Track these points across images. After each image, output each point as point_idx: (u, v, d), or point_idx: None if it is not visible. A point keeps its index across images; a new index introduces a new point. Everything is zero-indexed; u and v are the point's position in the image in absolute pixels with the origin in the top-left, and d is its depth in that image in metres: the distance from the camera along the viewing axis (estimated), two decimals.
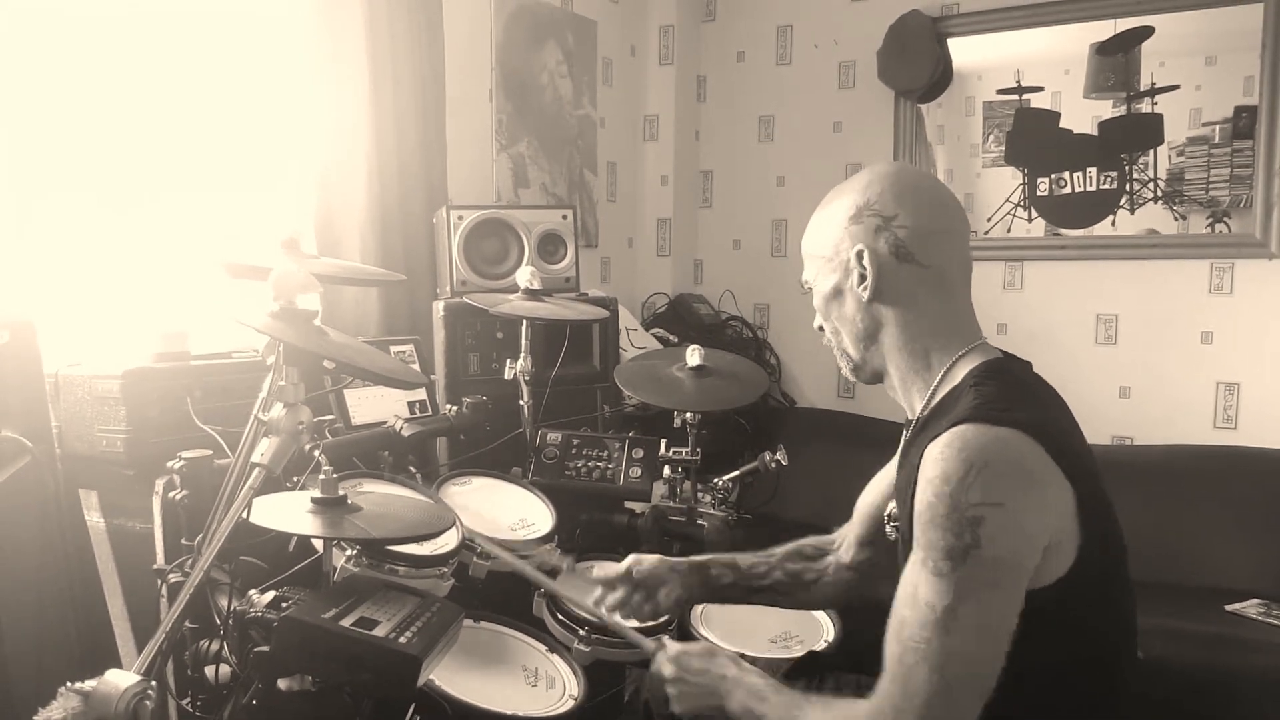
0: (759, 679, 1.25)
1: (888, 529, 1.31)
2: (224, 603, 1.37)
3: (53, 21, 1.91)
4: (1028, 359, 1.29)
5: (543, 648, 1.71)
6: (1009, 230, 3.32)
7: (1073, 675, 1.14)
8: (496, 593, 1.77)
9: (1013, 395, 1.13)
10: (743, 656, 1.38)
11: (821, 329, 1.34)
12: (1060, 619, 1.09)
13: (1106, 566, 1.12)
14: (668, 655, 1.34)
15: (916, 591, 1.06)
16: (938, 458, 1.07)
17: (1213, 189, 3.01)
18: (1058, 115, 3.23)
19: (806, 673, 1.54)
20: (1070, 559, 1.08)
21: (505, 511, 1.87)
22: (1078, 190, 3.21)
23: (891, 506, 1.30)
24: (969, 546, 1.02)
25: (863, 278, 1.22)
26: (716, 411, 2.27)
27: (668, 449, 2.11)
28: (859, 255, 1.22)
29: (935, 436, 1.10)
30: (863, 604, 1.51)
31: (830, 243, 1.26)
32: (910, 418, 1.28)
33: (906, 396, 1.27)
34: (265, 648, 1.25)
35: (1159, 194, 3.09)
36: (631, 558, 1.55)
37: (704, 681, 1.28)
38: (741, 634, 1.73)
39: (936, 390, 1.22)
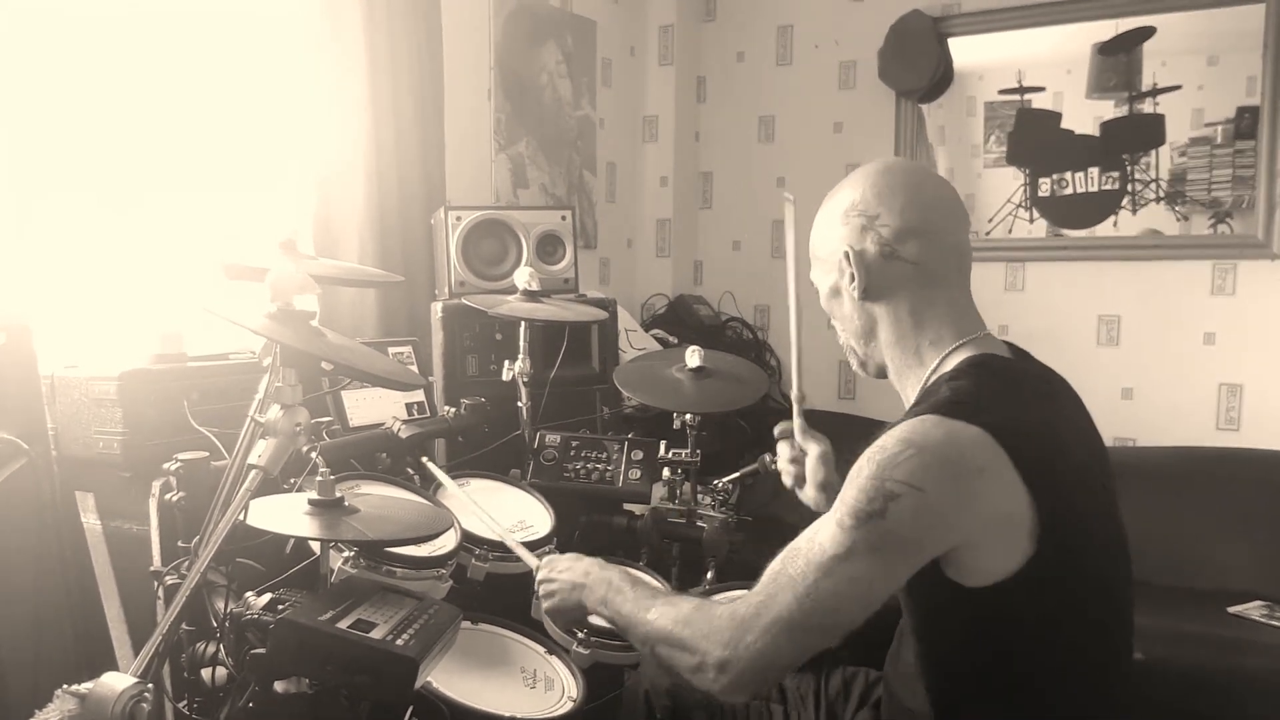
0: (620, 574, 1.32)
1: None
2: (221, 605, 1.37)
3: (53, 21, 1.91)
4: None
5: (541, 649, 1.71)
6: (1010, 231, 3.31)
7: (1036, 673, 1.13)
8: (495, 595, 1.76)
9: (986, 391, 1.12)
10: None
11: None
12: (1011, 617, 1.09)
13: (1070, 571, 1.10)
14: (544, 562, 1.45)
15: (818, 531, 1.11)
16: (885, 433, 1.10)
17: (1215, 189, 3.00)
18: (1059, 115, 3.22)
19: (813, 665, 1.54)
20: (1019, 559, 1.07)
21: (504, 513, 1.86)
22: (1079, 191, 3.20)
23: None
24: (875, 514, 1.05)
25: (853, 277, 1.24)
26: (716, 413, 2.26)
27: (667, 450, 2.11)
28: (846, 255, 1.24)
29: None
30: None
31: (826, 243, 1.28)
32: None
33: (903, 391, 1.29)
34: (262, 650, 1.25)
35: (1161, 194, 3.08)
36: (821, 450, 1.57)
37: (567, 578, 1.38)
38: None
39: (927, 384, 1.22)
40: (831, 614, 1.08)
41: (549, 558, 1.46)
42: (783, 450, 1.58)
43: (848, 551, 1.06)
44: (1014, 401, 1.14)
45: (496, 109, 3.07)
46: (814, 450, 1.55)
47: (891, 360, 1.27)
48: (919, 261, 1.22)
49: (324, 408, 1.94)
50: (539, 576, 1.44)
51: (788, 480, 1.60)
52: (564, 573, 1.40)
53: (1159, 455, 2.96)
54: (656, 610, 1.21)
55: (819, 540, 1.09)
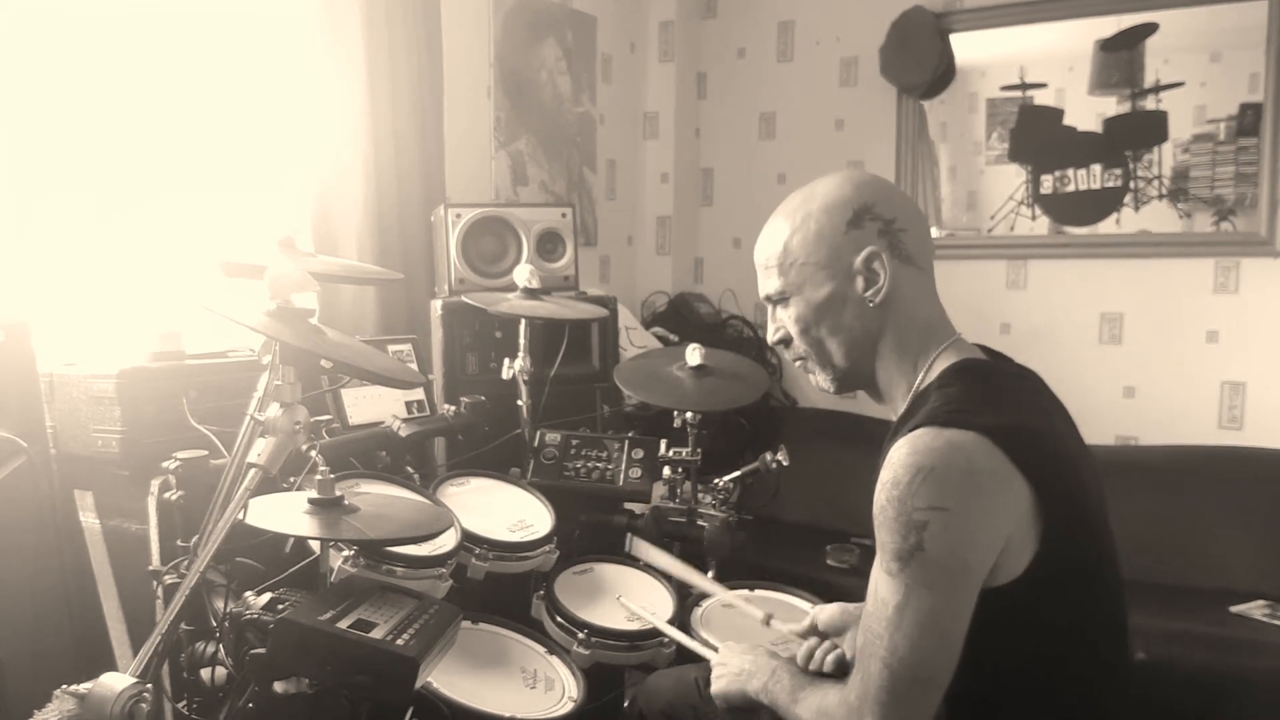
0: (783, 664, 1.32)
1: None
2: (220, 604, 1.36)
3: (53, 21, 1.90)
4: (1024, 357, 1.29)
5: (541, 649, 1.71)
6: (1012, 228, 3.30)
7: (1046, 673, 1.13)
8: (495, 594, 1.76)
9: (975, 396, 1.13)
10: None
11: (785, 343, 1.29)
12: (1021, 617, 1.10)
13: (1074, 566, 1.11)
14: (721, 648, 1.46)
15: (876, 588, 1.11)
16: (890, 461, 1.09)
17: (1217, 186, 2.99)
18: (1061, 112, 3.21)
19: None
20: (1027, 559, 1.08)
21: (504, 512, 1.86)
22: (1082, 188, 3.19)
23: None
24: (914, 548, 1.05)
25: (870, 282, 1.21)
26: (717, 411, 2.26)
27: (668, 449, 2.10)
28: (869, 259, 1.20)
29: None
30: None
31: (826, 248, 1.22)
32: (894, 419, 1.27)
33: (891, 399, 1.28)
34: (261, 650, 1.25)
35: (1163, 192, 3.07)
36: (815, 609, 1.55)
37: (736, 664, 1.36)
38: (738, 636, 1.72)
39: (917, 390, 1.22)
40: (920, 666, 1.07)
41: (726, 646, 1.46)
42: (805, 651, 1.49)
43: (905, 596, 1.06)
44: (1003, 404, 1.15)
45: (496, 106, 3.06)
46: (808, 619, 1.51)
47: (885, 369, 1.25)
48: (924, 267, 1.23)
49: (323, 406, 1.94)
50: (714, 661, 1.44)
51: (821, 665, 1.46)
52: (734, 659, 1.38)
53: (1161, 454, 2.96)
54: (802, 703, 1.22)
55: (880, 596, 1.09)
